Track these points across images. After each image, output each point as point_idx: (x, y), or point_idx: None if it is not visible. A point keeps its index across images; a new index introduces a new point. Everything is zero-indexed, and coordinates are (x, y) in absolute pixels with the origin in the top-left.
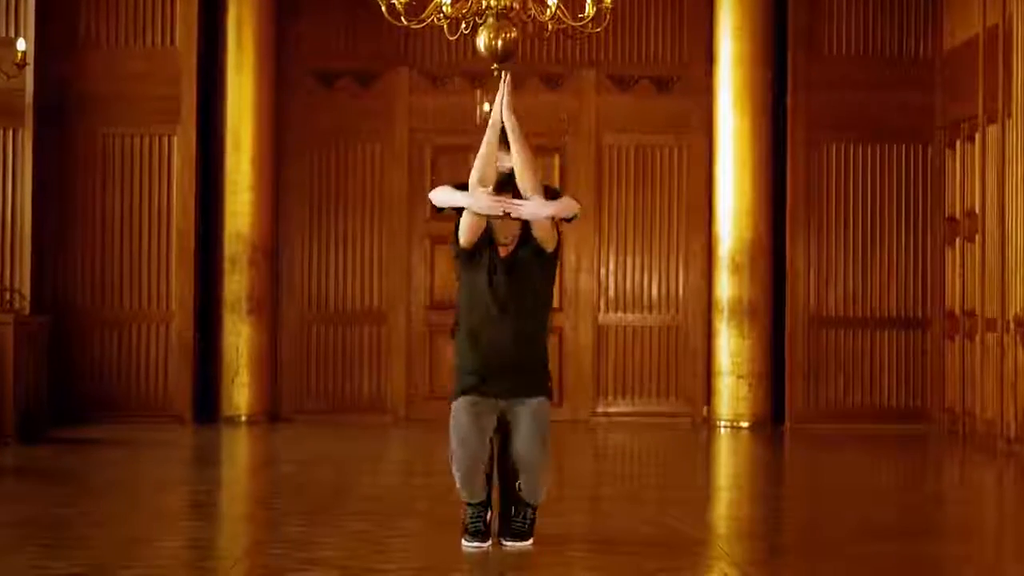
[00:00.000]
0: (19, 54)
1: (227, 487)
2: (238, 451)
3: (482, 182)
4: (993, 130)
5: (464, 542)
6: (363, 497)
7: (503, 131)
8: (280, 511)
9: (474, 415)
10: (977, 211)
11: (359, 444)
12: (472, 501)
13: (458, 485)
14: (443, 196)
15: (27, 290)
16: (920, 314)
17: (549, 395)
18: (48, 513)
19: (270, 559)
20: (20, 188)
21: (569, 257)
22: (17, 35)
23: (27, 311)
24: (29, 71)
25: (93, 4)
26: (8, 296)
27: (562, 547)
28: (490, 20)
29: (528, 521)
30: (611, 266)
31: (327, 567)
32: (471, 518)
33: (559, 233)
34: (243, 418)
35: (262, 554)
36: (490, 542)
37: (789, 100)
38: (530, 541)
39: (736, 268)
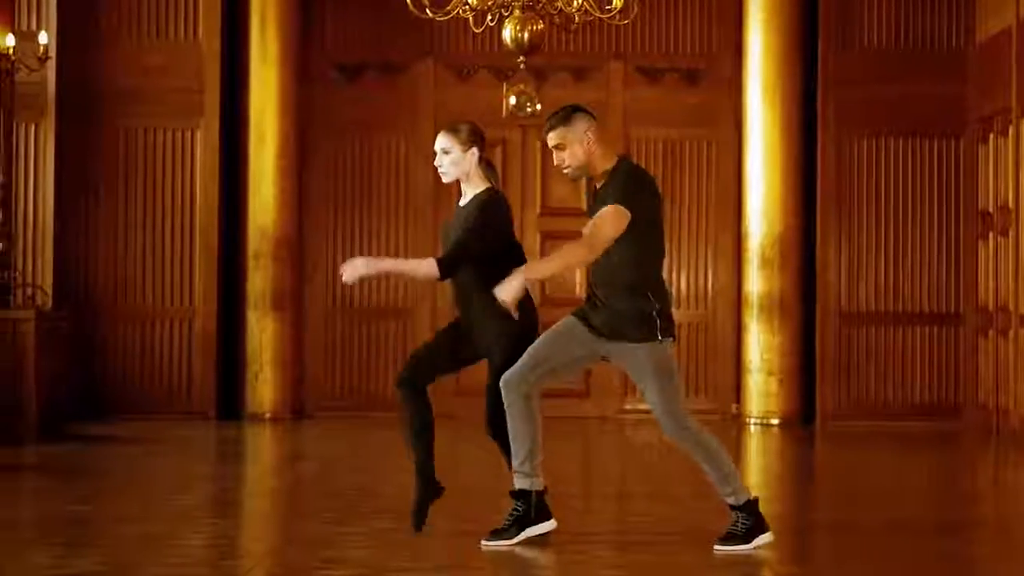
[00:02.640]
0: (41, 48)
1: (250, 485)
2: (261, 448)
3: None
4: None
5: (763, 539)
6: (387, 495)
7: None
8: (303, 509)
9: None
10: (1010, 205)
11: (383, 441)
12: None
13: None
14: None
15: (49, 286)
16: (953, 309)
17: None
18: (69, 510)
19: (293, 557)
20: (43, 183)
21: None
22: (39, 29)
23: (49, 307)
24: (51, 65)
25: None
26: (30, 292)
27: (589, 544)
28: (516, 12)
29: None
30: None
31: (350, 566)
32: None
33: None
34: (266, 415)
35: (285, 552)
36: None
37: (819, 93)
38: None
39: (766, 263)
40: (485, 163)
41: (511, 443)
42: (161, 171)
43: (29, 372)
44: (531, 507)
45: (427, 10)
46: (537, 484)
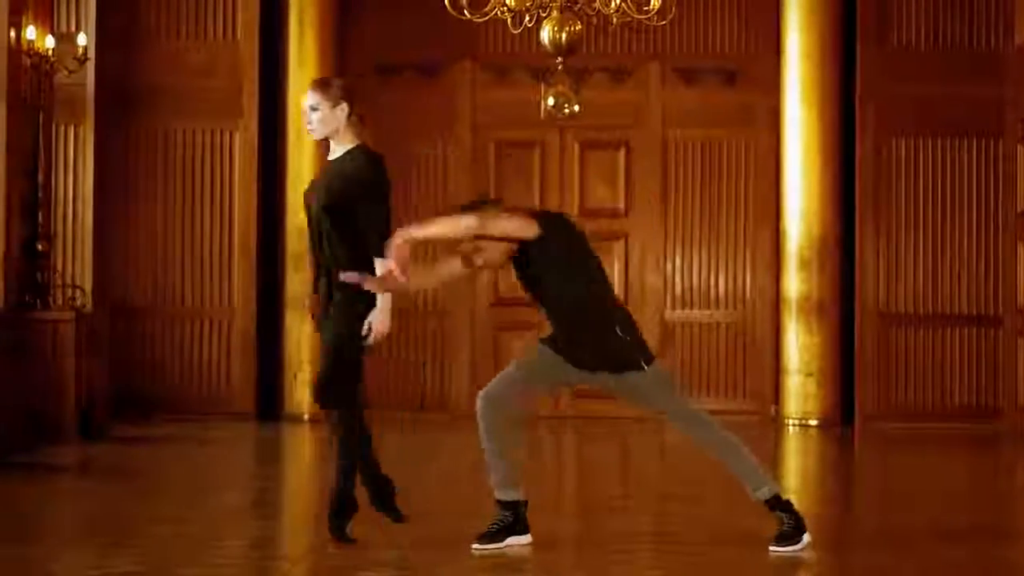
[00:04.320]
0: (80, 49)
1: (289, 485)
2: (300, 449)
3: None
4: None
5: (806, 539)
6: (425, 496)
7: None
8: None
9: None
10: None
11: (422, 442)
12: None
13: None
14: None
15: (89, 286)
16: (992, 311)
17: None
18: (109, 511)
19: (331, 558)
20: (82, 183)
21: (634, 253)
22: (78, 30)
23: (89, 308)
24: (90, 66)
25: None
26: (70, 293)
27: (628, 546)
28: (554, 13)
29: None
30: (677, 262)
31: (389, 567)
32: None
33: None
34: (305, 416)
35: (323, 553)
36: None
37: (857, 94)
38: None
39: (804, 264)
40: (357, 118)
41: (493, 462)
42: (200, 172)
43: (69, 373)
44: (519, 516)
45: (465, 11)
46: (522, 494)
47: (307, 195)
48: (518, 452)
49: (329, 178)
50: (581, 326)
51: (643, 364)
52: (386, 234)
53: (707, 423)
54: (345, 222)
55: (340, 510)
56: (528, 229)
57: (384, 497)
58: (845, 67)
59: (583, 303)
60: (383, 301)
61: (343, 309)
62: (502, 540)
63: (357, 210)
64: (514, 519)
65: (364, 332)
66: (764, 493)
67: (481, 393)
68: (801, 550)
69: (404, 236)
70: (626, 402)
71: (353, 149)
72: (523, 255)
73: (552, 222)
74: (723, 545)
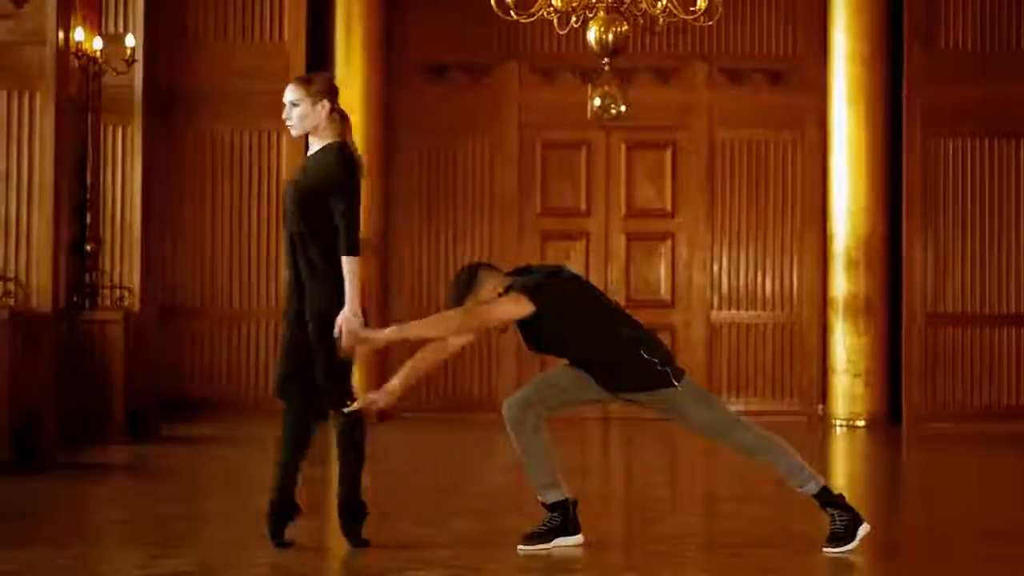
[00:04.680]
0: (128, 50)
1: (336, 485)
2: None
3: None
4: None
5: (864, 530)
6: (472, 495)
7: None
8: (389, 509)
9: None
10: None
11: (470, 443)
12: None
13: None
14: None
15: (137, 287)
16: None
17: None
18: (156, 511)
19: (377, 558)
20: (130, 184)
21: (681, 253)
22: (126, 31)
23: (137, 308)
24: (138, 68)
25: (201, 0)
26: (118, 294)
27: (677, 547)
28: (601, 14)
29: None
30: (724, 262)
31: (434, 566)
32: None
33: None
34: None
35: (369, 553)
36: None
37: (905, 94)
38: None
39: (851, 264)
40: (339, 116)
41: (529, 473)
42: (247, 173)
43: (117, 373)
44: (567, 517)
45: (511, 11)
46: (567, 493)
47: (291, 194)
48: (552, 453)
49: (303, 175)
50: (608, 366)
51: (673, 381)
52: (355, 233)
53: (746, 426)
54: (316, 219)
55: (357, 513)
56: (519, 309)
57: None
58: (892, 68)
59: (603, 347)
60: (350, 302)
61: (319, 312)
62: (549, 541)
63: (328, 207)
64: (562, 520)
65: (337, 333)
66: (812, 488)
67: (507, 401)
68: (853, 549)
69: (389, 336)
70: (667, 417)
71: (329, 145)
72: (528, 326)
73: (545, 291)
74: (772, 546)
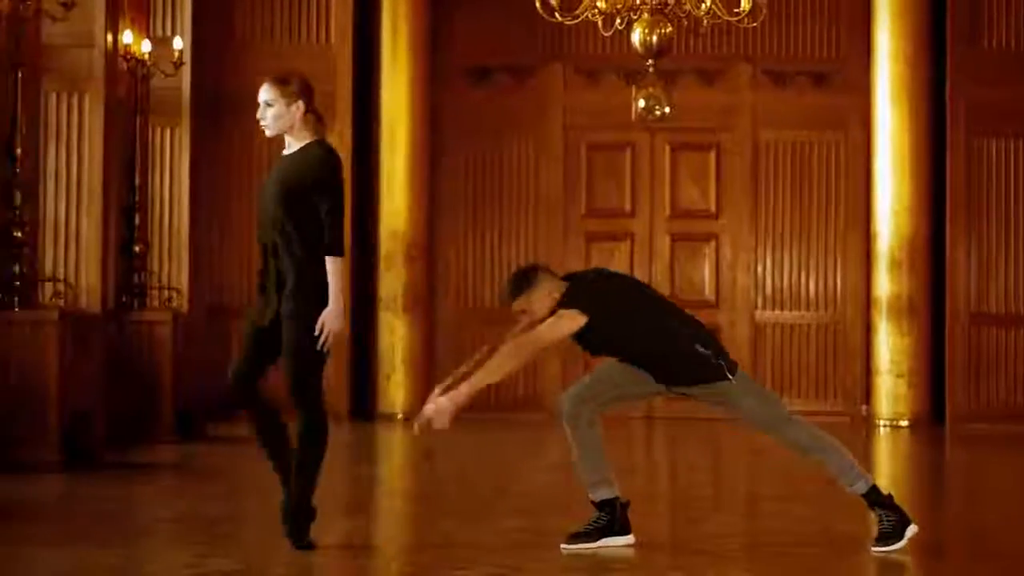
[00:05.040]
0: (176, 53)
1: (382, 484)
2: (393, 448)
3: None
4: None
5: (909, 532)
6: (518, 494)
7: None
8: (435, 509)
9: None
10: None
11: (515, 442)
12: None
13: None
14: None
15: (185, 288)
16: None
17: None
18: (204, 510)
19: (424, 557)
20: (178, 186)
21: (725, 254)
22: (174, 34)
23: (185, 309)
24: (186, 70)
25: (248, 2)
26: (166, 294)
27: (721, 546)
28: (645, 15)
29: None
30: (768, 263)
31: (482, 565)
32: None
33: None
34: (399, 415)
35: (417, 552)
36: None
37: (948, 94)
38: None
39: (895, 265)
40: (314, 117)
41: (580, 468)
42: None
43: (165, 373)
44: (615, 517)
45: (556, 13)
46: (618, 492)
47: (268, 193)
48: (604, 451)
49: (283, 174)
50: (663, 360)
51: (728, 374)
52: (340, 232)
53: (798, 422)
54: (301, 218)
55: (308, 515)
56: (574, 324)
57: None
58: (936, 68)
59: (656, 343)
60: (334, 302)
61: (300, 313)
62: (595, 540)
63: (312, 206)
64: (610, 520)
65: (317, 333)
66: (861, 487)
67: (563, 395)
68: (902, 548)
69: (468, 394)
70: (722, 409)
71: (309, 144)
72: (580, 336)
73: (595, 299)
74: (816, 546)
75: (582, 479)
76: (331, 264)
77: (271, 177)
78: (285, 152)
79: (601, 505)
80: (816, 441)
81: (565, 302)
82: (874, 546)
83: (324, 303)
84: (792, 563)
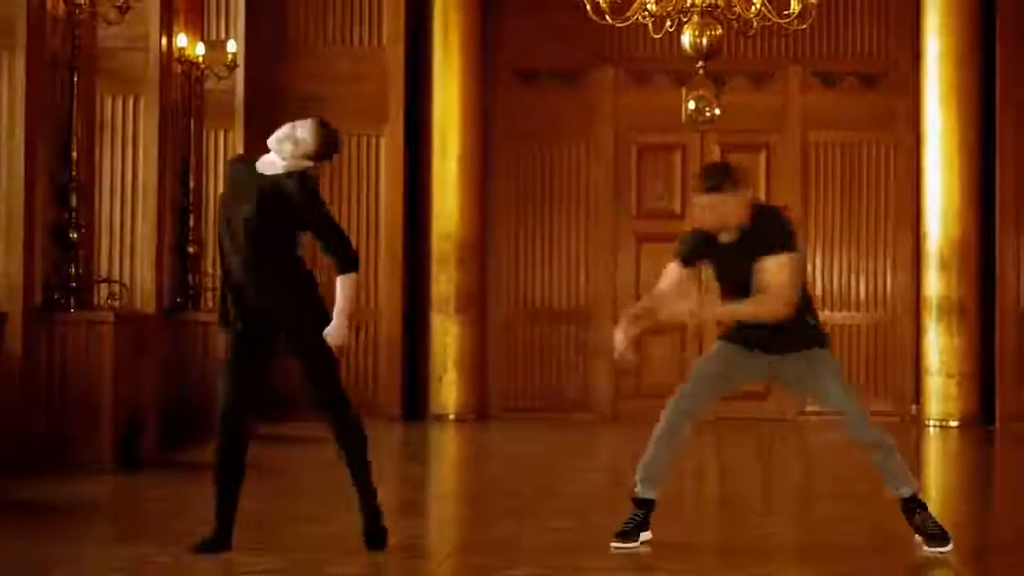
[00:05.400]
0: (230, 56)
1: (434, 485)
2: (445, 449)
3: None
4: None
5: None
6: (570, 494)
7: None
8: (487, 509)
9: None
10: None
11: (566, 442)
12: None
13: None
14: None
15: None
16: None
17: None
18: (255, 510)
19: (476, 557)
20: None
21: None
22: (228, 38)
23: None
24: (239, 73)
25: (301, 6)
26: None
27: (771, 545)
28: (695, 18)
29: None
30: (817, 264)
31: (532, 565)
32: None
33: None
34: (451, 416)
35: (469, 552)
36: None
37: (998, 95)
38: None
39: (944, 266)
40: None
41: (646, 460)
42: (347, 176)
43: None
44: (648, 516)
45: (606, 16)
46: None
47: (229, 207)
48: (674, 458)
49: (260, 195)
50: (790, 321)
51: (825, 344)
52: (350, 246)
53: (866, 416)
54: (280, 229)
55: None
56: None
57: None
58: (985, 69)
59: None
60: (339, 314)
61: (310, 321)
62: (637, 538)
63: (286, 218)
64: (644, 518)
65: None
66: (905, 491)
67: (673, 399)
68: (952, 550)
69: (717, 312)
70: (800, 385)
71: (289, 174)
72: (743, 253)
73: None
74: (866, 546)
75: (641, 472)
76: (349, 280)
77: (247, 193)
78: (256, 167)
79: (641, 503)
80: (882, 438)
81: (791, 245)
82: (928, 545)
83: (313, 307)
84: (841, 562)
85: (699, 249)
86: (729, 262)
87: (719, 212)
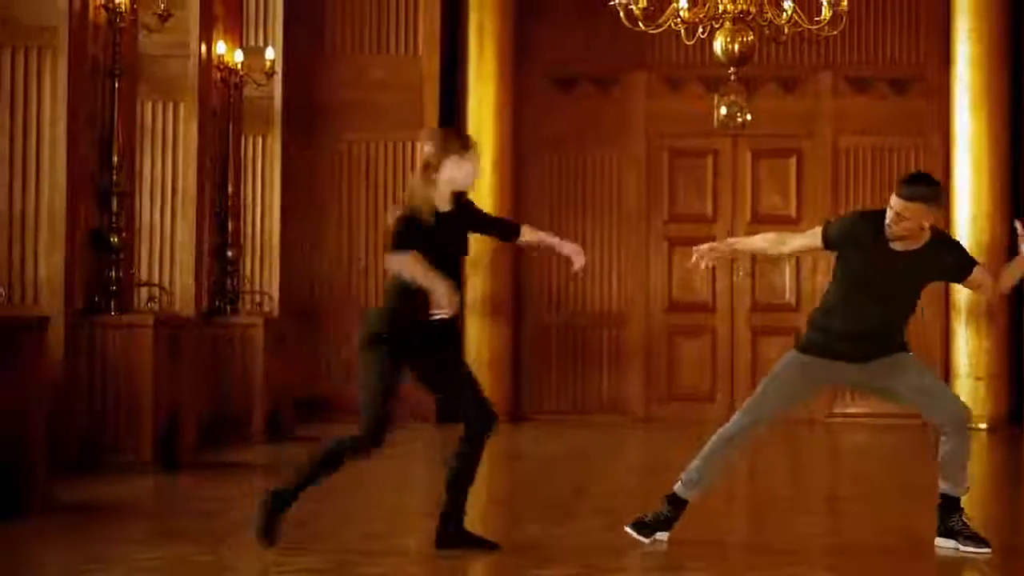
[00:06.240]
0: (268, 63)
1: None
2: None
3: None
4: None
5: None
6: (602, 495)
7: None
8: (519, 510)
9: None
10: None
11: (598, 444)
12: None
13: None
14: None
15: (276, 292)
16: None
17: None
18: (293, 509)
19: (508, 557)
20: (270, 193)
21: (806, 260)
22: (266, 45)
23: (276, 313)
24: (277, 80)
25: (338, 14)
26: (258, 299)
27: (801, 546)
28: (727, 24)
29: None
30: None
31: (564, 566)
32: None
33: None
34: None
35: (500, 552)
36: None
37: None
38: None
39: None
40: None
41: (694, 465)
42: (382, 183)
43: (257, 376)
44: (675, 517)
45: (639, 23)
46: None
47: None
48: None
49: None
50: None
51: (908, 350)
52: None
53: (958, 398)
54: None
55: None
56: None
57: None
58: (1015, 75)
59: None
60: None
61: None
62: (651, 535)
63: None
64: (669, 517)
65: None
66: (959, 492)
67: (743, 410)
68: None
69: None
70: (882, 390)
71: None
72: (915, 268)
73: None
74: (896, 547)
75: (688, 474)
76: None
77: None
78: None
79: (676, 501)
80: (964, 429)
81: (975, 260)
82: (964, 545)
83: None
84: (871, 563)
85: (855, 240)
86: (892, 271)
87: (912, 222)
